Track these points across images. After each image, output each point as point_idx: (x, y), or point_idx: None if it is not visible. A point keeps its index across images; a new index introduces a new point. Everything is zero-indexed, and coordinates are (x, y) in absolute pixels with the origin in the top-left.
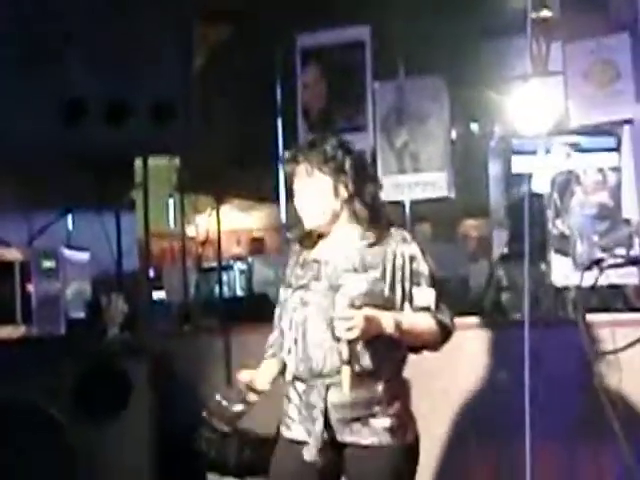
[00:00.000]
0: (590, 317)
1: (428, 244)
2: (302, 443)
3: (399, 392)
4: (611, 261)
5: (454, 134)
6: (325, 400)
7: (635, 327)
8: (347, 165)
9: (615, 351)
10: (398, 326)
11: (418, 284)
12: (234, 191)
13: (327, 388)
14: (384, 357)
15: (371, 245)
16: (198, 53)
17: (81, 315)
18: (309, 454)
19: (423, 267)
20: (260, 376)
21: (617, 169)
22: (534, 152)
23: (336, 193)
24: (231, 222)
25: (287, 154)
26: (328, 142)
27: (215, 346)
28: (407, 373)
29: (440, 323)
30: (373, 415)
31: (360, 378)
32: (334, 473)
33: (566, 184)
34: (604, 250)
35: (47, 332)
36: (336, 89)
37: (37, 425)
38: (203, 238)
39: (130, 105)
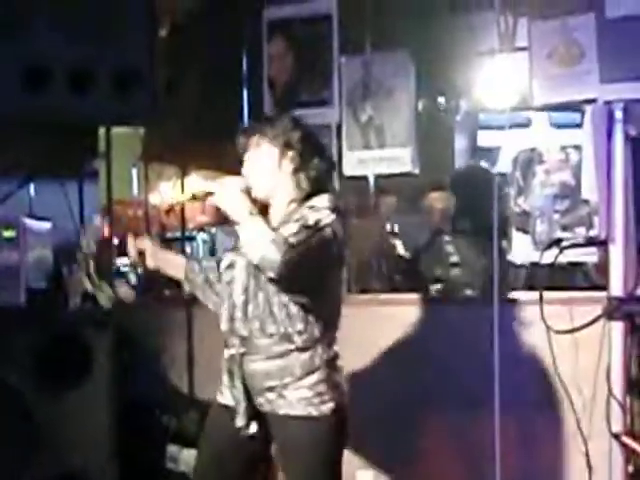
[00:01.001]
0: (548, 295)
1: (394, 217)
2: (233, 409)
3: (316, 363)
4: (570, 241)
5: (420, 108)
6: (241, 368)
7: (593, 305)
8: (294, 139)
9: (572, 330)
10: (250, 213)
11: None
12: (199, 161)
13: (242, 355)
14: (298, 325)
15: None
16: (164, 22)
17: (42, 285)
18: (238, 420)
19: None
20: (163, 257)
21: (579, 147)
22: (500, 127)
23: (280, 165)
24: (196, 190)
25: (240, 128)
26: (280, 119)
27: (177, 317)
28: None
29: (274, 250)
30: (286, 386)
31: (271, 346)
32: (265, 439)
33: (529, 162)
34: (564, 229)
35: (6, 302)
36: (302, 62)
37: None
38: (167, 207)
39: (94, 73)
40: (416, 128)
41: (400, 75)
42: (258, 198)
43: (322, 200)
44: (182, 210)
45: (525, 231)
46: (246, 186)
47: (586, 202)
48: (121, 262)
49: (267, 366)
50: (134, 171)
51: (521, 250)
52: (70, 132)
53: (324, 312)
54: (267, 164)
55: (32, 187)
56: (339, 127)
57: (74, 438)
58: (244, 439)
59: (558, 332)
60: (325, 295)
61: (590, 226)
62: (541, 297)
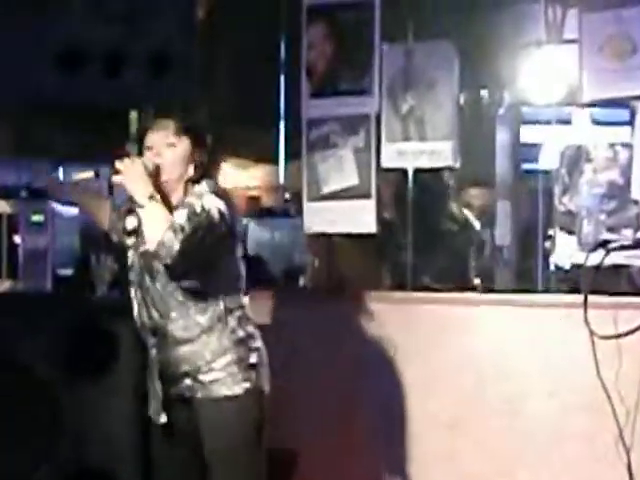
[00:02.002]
0: (592, 298)
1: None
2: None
3: (225, 344)
4: (617, 243)
5: (462, 100)
6: (157, 356)
7: (638, 310)
8: (194, 128)
9: (617, 336)
10: (150, 197)
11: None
12: (232, 148)
13: (155, 345)
14: (197, 307)
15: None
16: (201, 3)
17: (69, 272)
18: (152, 411)
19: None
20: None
21: (629, 145)
22: (544, 122)
23: (185, 153)
24: (228, 181)
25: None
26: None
27: None
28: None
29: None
30: (199, 370)
31: (178, 331)
32: (191, 427)
33: (576, 159)
34: (610, 230)
35: (33, 288)
36: (342, 49)
37: (21, 382)
38: None
39: (129, 55)
40: (458, 121)
41: (443, 66)
42: (163, 181)
43: (203, 187)
44: None
45: (570, 231)
46: (153, 168)
47: (636, 203)
48: None
49: (178, 353)
50: None
51: (565, 251)
52: (103, 115)
53: (222, 291)
54: (179, 151)
55: (62, 171)
56: (378, 117)
57: (98, 429)
58: (170, 430)
59: (602, 337)
60: (221, 275)
61: (638, 228)
62: (585, 300)
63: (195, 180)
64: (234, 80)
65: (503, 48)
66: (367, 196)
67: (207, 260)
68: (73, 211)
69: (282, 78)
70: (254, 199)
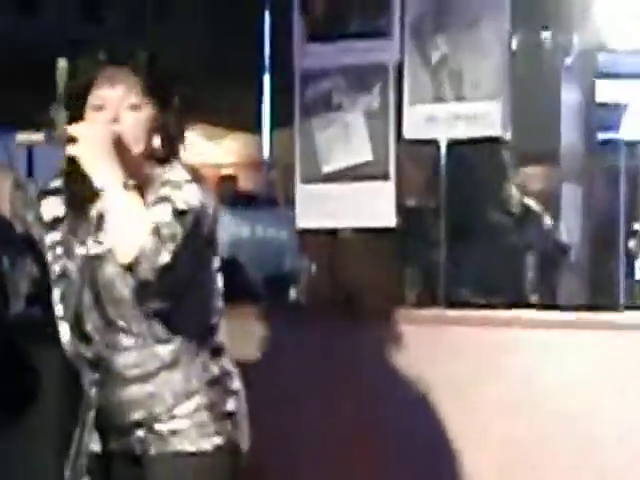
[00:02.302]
0: None
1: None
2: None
3: (195, 385)
4: None
5: (515, 46)
6: (96, 397)
7: None
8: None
9: None
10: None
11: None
12: (199, 113)
13: (95, 383)
14: (161, 332)
15: None
16: None
17: None
18: (70, 473)
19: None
20: None
21: None
22: (628, 75)
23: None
24: (193, 154)
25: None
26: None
27: None
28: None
29: (159, 234)
30: (156, 418)
31: (131, 366)
32: None
33: None
34: None
35: None
36: None
37: None
38: None
39: None
40: (509, 74)
41: None
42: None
43: (179, 173)
44: None
45: None
46: (117, 138)
47: None
48: None
49: (129, 394)
50: None
51: None
52: (14, 65)
53: (193, 314)
54: (143, 116)
55: None
56: (399, 69)
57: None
58: None
59: None
60: (194, 293)
61: None
62: None
63: (162, 159)
64: (202, 16)
65: None
66: (384, 177)
67: (186, 276)
68: None
69: (267, 14)
70: (228, 180)
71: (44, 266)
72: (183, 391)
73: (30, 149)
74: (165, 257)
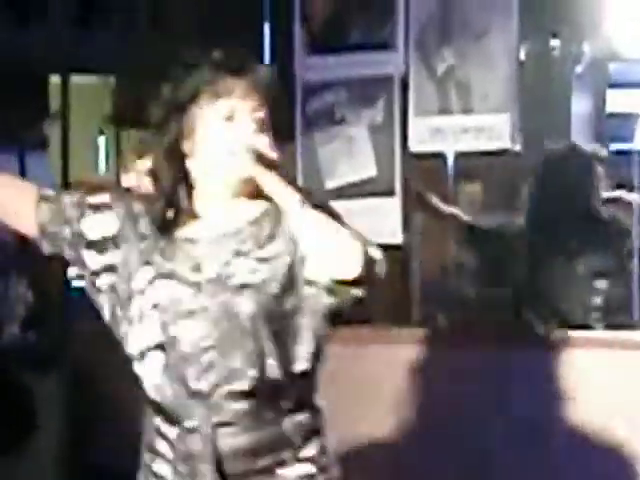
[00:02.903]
0: None
1: (478, 214)
2: None
3: (317, 425)
4: None
5: (523, 55)
6: (214, 447)
7: None
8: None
9: None
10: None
11: None
12: None
13: (215, 428)
14: (293, 376)
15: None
16: None
17: None
18: None
19: None
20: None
21: None
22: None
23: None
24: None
25: (221, 57)
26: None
27: None
28: None
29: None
30: (281, 463)
31: (258, 407)
32: None
33: None
34: None
35: None
36: None
37: None
38: (146, 192)
39: None
40: (518, 85)
41: (497, 7)
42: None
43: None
44: None
45: None
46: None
47: None
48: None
49: (253, 439)
50: (101, 140)
51: None
52: (7, 82)
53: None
54: (268, 129)
55: None
56: (404, 81)
57: None
58: None
59: None
60: None
61: None
62: None
63: None
64: (196, 26)
65: None
66: (389, 193)
67: None
68: None
69: (266, 25)
70: None
71: (40, 290)
72: (310, 432)
73: (22, 160)
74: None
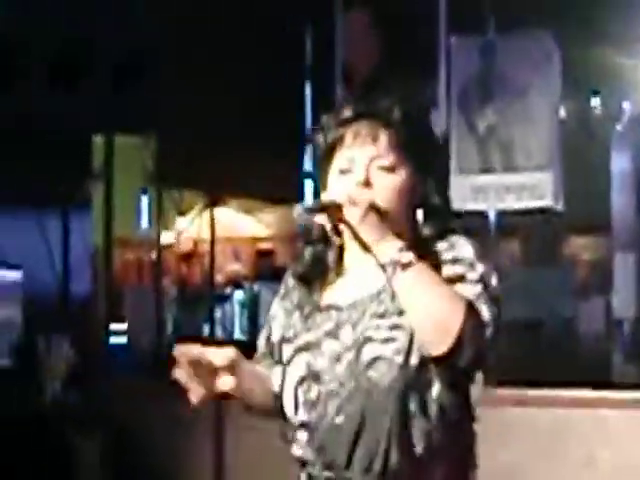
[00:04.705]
0: None
1: (517, 270)
2: None
3: None
4: None
5: (564, 113)
6: None
7: None
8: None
9: None
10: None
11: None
12: (235, 185)
13: None
14: (444, 437)
15: None
16: None
17: (6, 362)
18: None
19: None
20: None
21: None
22: None
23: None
24: (228, 227)
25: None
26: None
27: (202, 412)
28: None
29: (472, 306)
30: None
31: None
32: None
33: None
34: None
35: None
36: (393, 45)
37: None
38: (187, 249)
39: (85, 63)
40: (559, 143)
41: (537, 65)
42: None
43: (466, 250)
44: (211, 254)
45: None
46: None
47: None
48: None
49: None
50: (143, 198)
51: None
52: (52, 143)
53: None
54: (399, 180)
55: None
56: (446, 139)
57: None
58: None
59: None
60: None
61: None
62: None
63: (429, 237)
64: (238, 86)
65: (621, 39)
66: None
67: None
68: (12, 275)
69: (307, 84)
70: (265, 254)
71: (82, 349)
72: None
73: (66, 219)
74: (487, 338)
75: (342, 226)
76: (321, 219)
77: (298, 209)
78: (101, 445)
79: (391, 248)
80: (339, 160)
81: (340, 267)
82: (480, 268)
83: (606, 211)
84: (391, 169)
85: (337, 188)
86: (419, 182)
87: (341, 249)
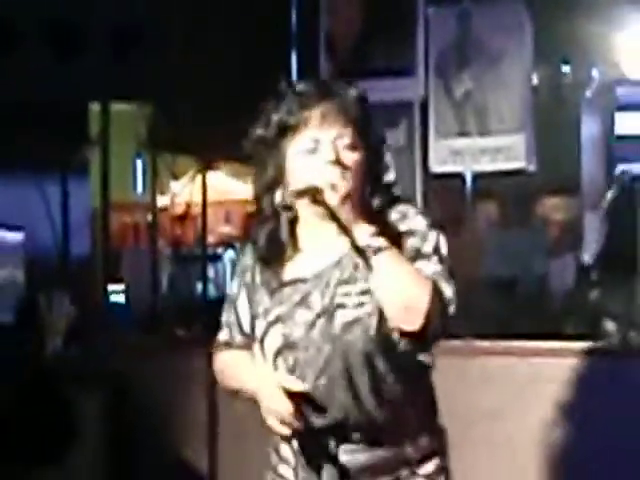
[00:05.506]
0: None
1: (493, 230)
2: None
3: (436, 443)
4: None
5: (536, 80)
6: (335, 465)
7: None
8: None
9: None
10: (373, 248)
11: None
12: (226, 149)
13: (337, 445)
14: (413, 390)
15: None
16: None
17: (9, 319)
18: None
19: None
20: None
21: None
22: None
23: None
24: (219, 191)
25: (300, 87)
26: (348, 90)
27: (195, 365)
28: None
29: (436, 286)
30: (399, 479)
31: (378, 427)
32: None
33: None
34: None
35: None
36: (374, 14)
37: None
38: (181, 212)
39: (81, 28)
40: (531, 108)
41: (511, 33)
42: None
43: (418, 221)
44: (203, 216)
45: None
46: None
47: None
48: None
49: (373, 457)
50: (138, 163)
51: None
52: (50, 110)
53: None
54: (359, 158)
55: None
56: (424, 105)
57: None
58: None
59: None
60: None
61: None
62: None
63: (378, 209)
64: (227, 55)
65: (591, 8)
66: None
67: None
68: (14, 236)
69: (293, 54)
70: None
71: (82, 306)
72: (429, 449)
73: (65, 183)
74: (449, 316)
75: (305, 204)
76: (303, 202)
77: (290, 192)
78: (100, 399)
79: (363, 233)
80: (303, 140)
81: (295, 241)
82: (432, 238)
83: (576, 172)
84: (353, 147)
85: (308, 168)
86: (368, 156)
87: (292, 224)
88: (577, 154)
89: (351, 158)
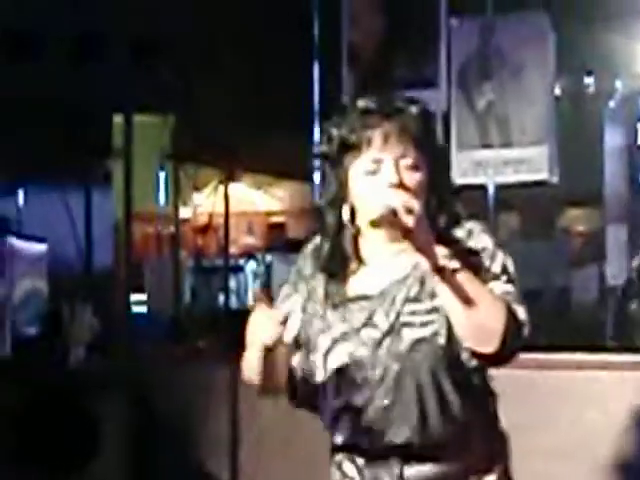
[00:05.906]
0: None
1: (515, 242)
2: None
3: (499, 453)
4: None
5: (559, 91)
6: (400, 478)
7: None
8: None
9: None
10: (450, 269)
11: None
12: (248, 161)
13: (402, 462)
14: (477, 405)
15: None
16: None
17: (33, 331)
18: None
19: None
20: None
21: None
22: None
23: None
24: (242, 202)
25: (362, 104)
26: (411, 107)
27: (217, 375)
28: None
29: (510, 308)
30: None
31: (444, 444)
32: None
33: None
34: None
35: None
36: (397, 26)
37: None
38: (203, 223)
39: (106, 40)
40: (554, 119)
41: (533, 45)
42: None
43: (483, 239)
44: (226, 227)
45: None
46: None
47: None
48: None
49: (438, 470)
50: (161, 175)
51: None
52: (73, 121)
53: None
54: (422, 177)
55: (21, 196)
56: (446, 116)
57: None
58: None
59: None
60: None
61: None
62: None
63: (448, 225)
64: (249, 67)
65: (614, 19)
66: None
67: None
68: (38, 247)
69: (315, 65)
70: (277, 227)
71: (105, 317)
72: (493, 459)
73: (88, 194)
74: (524, 337)
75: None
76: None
77: (369, 222)
78: (122, 408)
79: (438, 254)
80: (364, 161)
81: (359, 256)
82: (500, 257)
83: (599, 184)
84: (415, 167)
85: (372, 191)
86: (432, 175)
87: (355, 238)
88: (600, 165)
89: (413, 179)
